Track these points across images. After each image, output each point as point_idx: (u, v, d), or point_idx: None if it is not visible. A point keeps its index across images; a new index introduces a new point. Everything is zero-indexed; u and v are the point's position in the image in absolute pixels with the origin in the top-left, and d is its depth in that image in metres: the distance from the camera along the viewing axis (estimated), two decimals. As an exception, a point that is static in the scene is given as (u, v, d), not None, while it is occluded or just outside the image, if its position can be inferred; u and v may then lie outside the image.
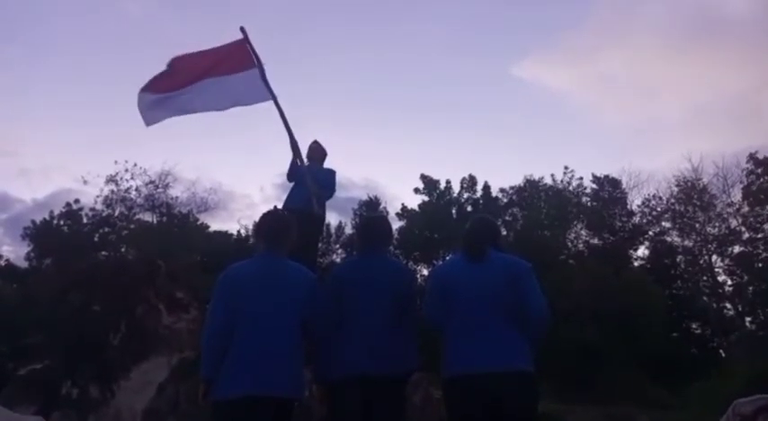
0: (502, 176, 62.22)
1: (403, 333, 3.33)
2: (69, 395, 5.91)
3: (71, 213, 28.87)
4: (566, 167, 30.31)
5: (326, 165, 6.61)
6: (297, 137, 5.88)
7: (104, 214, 27.96)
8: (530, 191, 30.43)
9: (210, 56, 5.89)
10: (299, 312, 3.19)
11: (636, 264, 28.30)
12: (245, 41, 5.84)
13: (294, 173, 6.22)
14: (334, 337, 3.27)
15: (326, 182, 6.29)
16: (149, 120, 5.75)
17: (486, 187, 30.72)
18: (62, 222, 28.89)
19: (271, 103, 5.71)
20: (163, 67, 5.81)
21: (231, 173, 58.86)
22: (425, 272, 27.00)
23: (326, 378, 3.27)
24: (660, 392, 18.65)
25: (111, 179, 27.26)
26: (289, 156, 6.09)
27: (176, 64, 5.86)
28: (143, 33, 50.85)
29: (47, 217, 28.94)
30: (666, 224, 28.73)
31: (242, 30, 5.85)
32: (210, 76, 5.78)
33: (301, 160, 6.03)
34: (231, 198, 55.54)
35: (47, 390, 5.90)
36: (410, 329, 3.39)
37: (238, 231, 30.02)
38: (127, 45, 50.86)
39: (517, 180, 31.20)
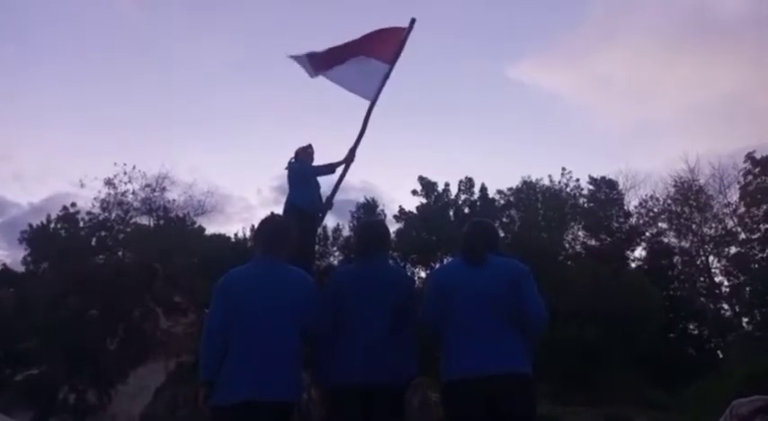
0: (499, 178, 62.30)
1: (402, 340, 3.32)
2: (66, 400, 5.89)
3: (68, 217, 28.82)
4: (563, 169, 30.39)
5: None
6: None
7: (101, 217, 27.91)
8: (527, 192, 30.45)
9: (371, 36, 6.02)
10: (297, 316, 3.19)
11: (633, 265, 28.36)
12: (403, 34, 5.87)
13: (319, 174, 6.17)
14: (334, 344, 3.26)
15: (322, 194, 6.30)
16: (312, 70, 6.02)
17: (484, 189, 30.74)
18: (59, 226, 28.82)
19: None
20: None
21: (228, 175, 58.83)
22: (423, 274, 27.02)
23: (326, 385, 3.27)
24: (658, 393, 18.66)
25: (108, 182, 27.25)
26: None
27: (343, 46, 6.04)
28: (139, 36, 50.82)
29: (43, 221, 28.90)
30: (663, 225, 28.82)
31: (412, 21, 5.89)
32: (360, 53, 5.95)
33: (347, 168, 6.01)
34: (228, 201, 55.53)
35: (44, 396, 5.88)
36: (409, 336, 3.38)
37: (236, 234, 30.02)
38: (123, 48, 50.81)
39: (514, 182, 31.24)
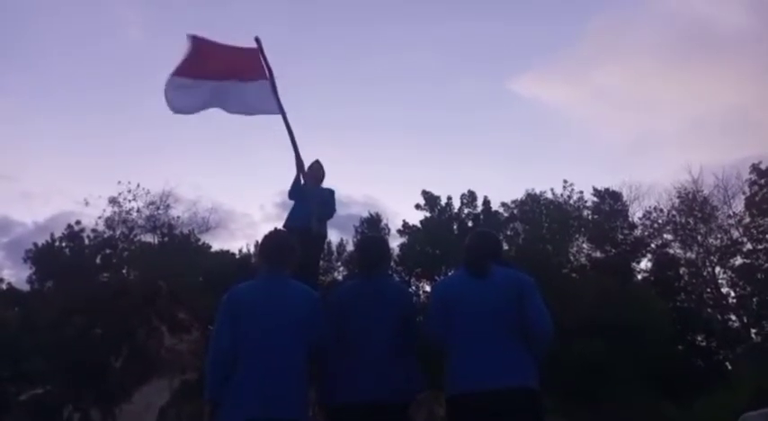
0: (502, 192, 62.01)
1: (405, 356, 3.30)
2: (71, 420, 5.87)
3: (72, 235, 28.83)
4: (565, 181, 30.27)
5: (326, 184, 6.67)
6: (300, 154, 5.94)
7: (106, 235, 27.96)
8: (531, 205, 30.37)
9: (227, 54, 6.03)
10: (302, 332, 3.18)
11: (639, 276, 28.17)
12: (258, 52, 5.96)
13: (296, 190, 6.26)
14: (338, 362, 3.25)
15: (327, 201, 6.33)
16: (177, 107, 5.88)
17: (487, 202, 30.71)
18: (63, 244, 28.85)
19: (275, 118, 5.84)
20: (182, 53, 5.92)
21: (231, 192, 58.91)
22: (427, 288, 26.90)
23: (330, 403, 3.25)
24: (666, 406, 18.47)
25: (113, 200, 27.34)
26: (291, 172, 6.13)
27: (199, 47, 5.96)
28: (143, 58, 51.25)
29: (48, 239, 28.93)
30: (668, 236, 28.66)
31: (256, 40, 5.95)
32: (228, 78, 5.95)
33: (304, 176, 6.06)
34: (231, 217, 55.46)
35: (49, 415, 5.87)
36: (412, 352, 3.36)
37: (240, 250, 30.01)
38: (128, 71, 51.27)
39: (516, 195, 31.16)
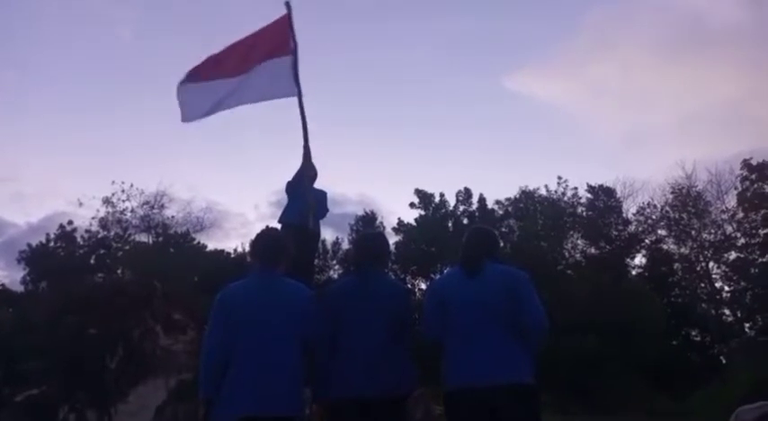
0: (497, 189, 62.15)
1: (401, 353, 3.31)
2: (67, 420, 5.86)
3: (66, 235, 28.72)
4: (559, 178, 30.33)
5: (320, 182, 6.63)
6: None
7: (100, 236, 27.87)
8: (525, 202, 30.44)
9: (248, 44, 5.82)
10: (296, 330, 3.18)
11: (633, 272, 28.29)
12: (286, 19, 5.72)
13: (297, 183, 6.16)
14: (333, 357, 3.25)
15: (321, 201, 6.31)
16: (189, 115, 5.71)
17: (482, 199, 30.77)
18: (57, 245, 28.73)
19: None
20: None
21: (226, 192, 58.79)
22: (423, 286, 26.93)
23: (325, 398, 3.25)
24: (662, 401, 18.56)
25: (106, 201, 27.25)
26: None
27: (226, 51, 5.81)
28: (134, 57, 51.08)
29: (42, 240, 28.81)
30: (662, 232, 28.78)
31: (287, 5, 5.70)
32: (246, 70, 5.74)
33: (310, 164, 5.90)
34: (226, 217, 55.43)
35: (44, 416, 5.85)
36: (408, 349, 3.37)
37: (235, 250, 29.96)
38: (121, 72, 51.07)
39: (512, 192, 31.20)
